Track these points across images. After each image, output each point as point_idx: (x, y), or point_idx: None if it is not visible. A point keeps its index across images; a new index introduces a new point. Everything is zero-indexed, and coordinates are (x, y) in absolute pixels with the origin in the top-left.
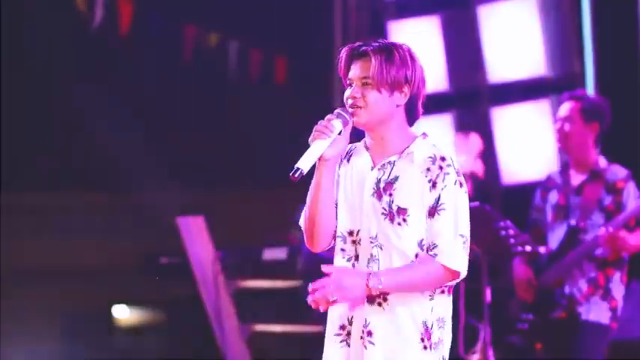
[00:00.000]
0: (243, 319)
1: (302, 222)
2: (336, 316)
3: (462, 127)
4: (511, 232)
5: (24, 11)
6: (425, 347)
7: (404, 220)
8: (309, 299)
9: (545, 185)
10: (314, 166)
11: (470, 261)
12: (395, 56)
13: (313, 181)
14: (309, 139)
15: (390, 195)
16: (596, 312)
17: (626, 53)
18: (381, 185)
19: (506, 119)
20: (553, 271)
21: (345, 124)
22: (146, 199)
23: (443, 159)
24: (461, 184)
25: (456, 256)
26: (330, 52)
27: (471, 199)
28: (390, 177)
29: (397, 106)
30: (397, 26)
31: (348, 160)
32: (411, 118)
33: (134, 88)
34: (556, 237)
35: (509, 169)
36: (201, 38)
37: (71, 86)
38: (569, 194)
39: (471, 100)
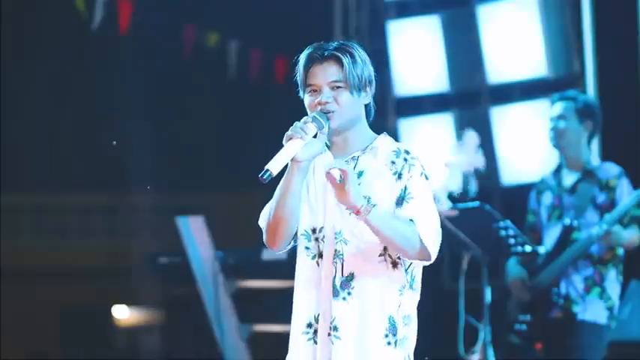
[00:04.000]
0: (243, 319)
1: (263, 221)
2: (301, 314)
3: (464, 126)
4: (511, 232)
5: (24, 10)
6: (389, 343)
7: None
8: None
9: (539, 187)
10: (284, 168)
11: (470, 261)
12: (357, 57)
13: (283, 183)
14: (283, 140)
15: None
16: (593, 311)
17: (626, 53)
18: None
19: (506, 119)
20: (549, 271)
21: (320, 128)
22: (146, 199)
23: (407, 152)
24: (426, 176)
25: (430, 233)
26: None
27: (475, 199)
28: (355, 173)
29: (364, 105)
30: (397, 26)
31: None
32: (369, 116)
33: (133, 87)
34: (551, 237)
35: (509, 169)
36: (201, 38)
37: (71, 86)
38: (563, 194)
39: (471, 100)
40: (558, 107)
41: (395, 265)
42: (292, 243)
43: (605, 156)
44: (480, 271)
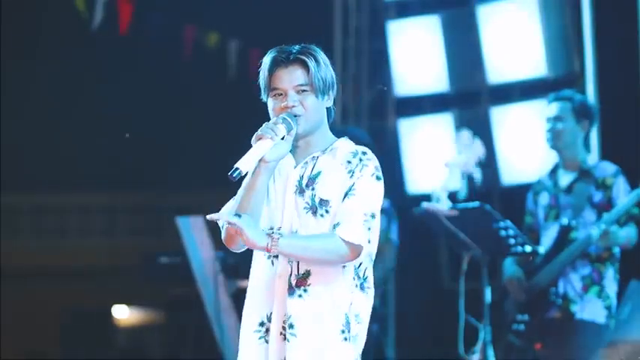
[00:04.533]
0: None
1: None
2: (254, 312)
3: (463, 126)
4: (511, 232)
5: (24, 10)
6: (346, 339)
7: (326, 211)
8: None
9: (535, 188)
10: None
11: (470, 261)
12: (321, 60)
13: (248, 182)
14: (252, 140)
15: (313, 189)
16: (591, 311)
17: (626, 53)
18: (304, 182)
19: (506, 119)
20: (547, 270)
21: (289, 129)
22: (146, 199)
23: (364, 153)
24: (378, 177)
25: (355, 230)
26: (331, 52)
27: (475, 199)
28: (313, 172)
29: (327, 108)
30: (397, 26)
31: None
32: (330, 118)
33: (133, 87)
34: (548, 237)
35: (509, 169)
36: (201, 38)
37: (71, 86)
38: (559, 194)
39: (471, 99)
40: (555, 108)
41: (344, 265)
42: None
43: (605, 156)
44: (480, 271)
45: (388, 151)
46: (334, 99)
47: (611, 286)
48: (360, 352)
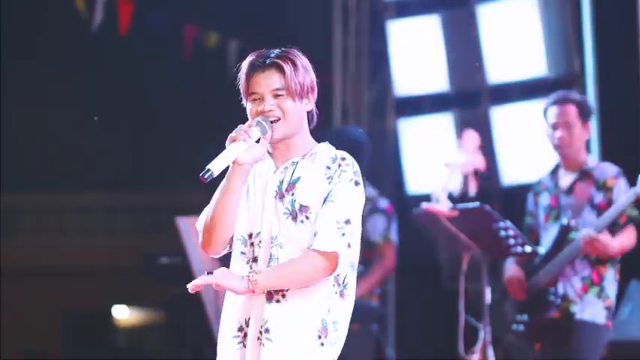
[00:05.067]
0: None
1: (200, 224)
2: (232, 318)
3: (464, 126)
4: (511, 232)
5: (24, 10)
6: (322, 344)
7: (306, 217)
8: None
9: (536, 189)
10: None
11: (470, 261)
12: (299, 64)
13: (223, 185)
14: (226, 142)
15: (293, 194)
16: (591, 311)
17: (626, 53)
18: (284, 187)
19: (506, 119)
20: (546, 270)
21: (263, 132)
22: (146, 199)
23: (343, 159)
24: (356, 182)
25: (327, 239)
26: (331, 52)
27: (476, 198)
28: (293, 177)
29: (307, 112)
30: (397, 26)
31: (251, 166)
32: (311, 123)
33: (134, 87)
34: (549, 237)
35: (509, 169)
36: (201, 38)
37: (71, 86)
38: (560, 195)
39: (471, 100)
40: (562, 111)
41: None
42: (228, 248)
43: (605, 156)
44: (480, 271)
45: (388, 151)
46: (315, 102)
47: (611, 286)
48: (336, 358)
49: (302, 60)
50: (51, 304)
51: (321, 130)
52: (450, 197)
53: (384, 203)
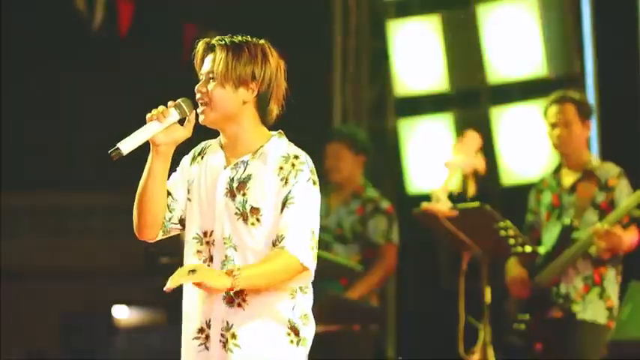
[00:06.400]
0: None
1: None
2: (192, 319)
3: (464, 126)
4: (511, 232)
5: (24, 11)
6: (292, 341)
7: (257, 220)
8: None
9: (538, 187)
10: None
11: (470, 261)
12: (243, 52)
13: (146, 166)
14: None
15: (244, 195)
16: (593, 311)
17: (627, 53)
18: (234, 185)
19: (507, 119)
20: (548, 270)
21: (182, 114)
22: None
23: (296, 157)
24: (314, 182)
25: (304, 249)
26: (330, 52)
27: (476, 198)
28: (243, 176)
29: (244, 102)
30: (397, 26)
31: (202, 158)
32: (265, 116)
33: (134, 87)
34: (550, 236)
35: (509, 169)
36: (201, 38)
37: (74, 86)
38: (562, 194)
39: (471, 100)
40: (561, 110)
41: (274, 246)
42: (160, 234)
43: (605, 156)
44: (480, 271)
45: (388, 151)
46: (263, 95)
47: (612, 287)
48: (307, 352)
49: (252, 49)
50: (51, 304)
51: (321, 130)
52: (450, 197)
53: (385, 204)
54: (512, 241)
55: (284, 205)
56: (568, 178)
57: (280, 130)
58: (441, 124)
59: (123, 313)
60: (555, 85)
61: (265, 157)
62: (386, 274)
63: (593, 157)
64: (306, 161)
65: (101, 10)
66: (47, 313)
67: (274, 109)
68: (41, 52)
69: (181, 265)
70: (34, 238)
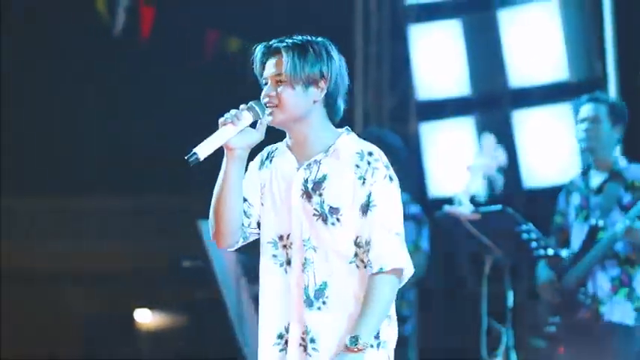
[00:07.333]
0: None
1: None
2: (271, 324)
3: (485, 130)
4: (533, 235)
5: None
6: (372, 346)
7: (337, 219)
8: None
9: (568, 188)
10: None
11: (492, 264)
12: (308, 51)
13: (220, 173)
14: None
15: (320, 195)
16: (621, 313)
17: None
18: (309, 185)
19: (528, 123)
20: (576, 271)
21: (255, 117)
22: (169, 202)
23: (370, 154)
24: (391, 178)
25: (399, 256)
26: (351, 56)
27: (498, 201)
28: (318, 176)
29: (314, 102)
30: (418, 30)
31: (271, 161)
32: (333, 113)
33: (155, 91)
34: (578, 238)
35: (530, 172)
36: (223, 43)
37: (94, 90)
38: (590, 195)
39: (493, 103)
40: (590, 109)
41: (366, 267)
42: (241, 241)
43: (627, 157)
44: (503, 274)
45: (410, 155)
46: (333, 93)
47: None
48: (392, 354)
49: (316, 47)
50: (74, 307)
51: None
52: (472, 200)
53: (414, 209)
54: (534, 244)
55: (366, 207)
56: (595, 179)
57: (347, 127)
58: (463, 128)
59: (145, 317)
60: (576, 88)
61: (338, 155)
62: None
63: (621, 158)
64: (380, 157)
65: (123, 14)
66: (70, 316)
67: (341, 106)
68: (65, 54)
69: (204, 268)
70: (55, 241)
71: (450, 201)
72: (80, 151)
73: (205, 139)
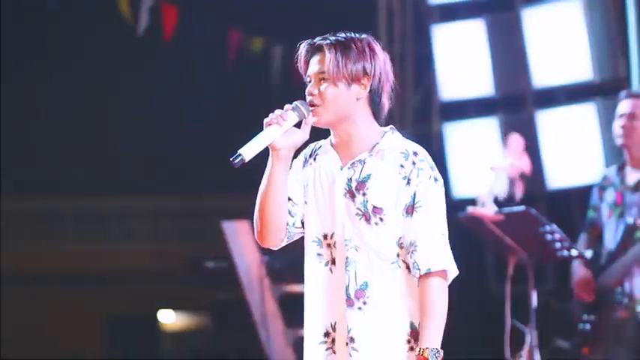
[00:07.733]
0: (289, 324)
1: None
2: (317, 323)
3: (509, 130)
4: (557, 236)
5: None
6: (412, 348)
7: (381, 219)
8: None
9: (602, 184)
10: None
11: (516, 265)
12: (351, 48)
13: (265, 172)
14: (264, 127)
15: (364, 194)
16: None
17: None
18: (353, 185)
19: (552, 123)
20: (612, 270)
21: (300, 116)
22: (192, 203)
23: (415, 154)
24: (435, 179)
25: (444, 258)
26: None
27: (522, 202)
28: (362, 175)
29: (357, 99)
30: (442, 30)
31: (315, 160)
32: (377, 111)
33: (178, 90)
34: (613, 236)
35: (554, 173)
36: (246, 43)
37: (115, 90)
38: (626, 192)
39: (516, 103)
40: (628, 105)
41: (409, 268)
42: (285, 240)
43: None
44: (526, 275)
45: (433, 155)
46: (378, 90)
47: None
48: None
49: (359, 44)
50: (98, 308)
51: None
52: (496, 201)
53: None
54: (558, 244)
55: (412, 208)
56: (632, 176)
57: (391, 125)
58: (486, 128)
59: (169, 318)
60: (601, 88)
61: (383, 155)
62: None
63: None
64: (425, 158)
65: (146, 15)
66: (94, 317)
67: (386, 103)
68: (89, 57)
69: (228, 269)
70: (78, 243)
71: (473, 202)
72: (104, 153)
73: (250, 140)
